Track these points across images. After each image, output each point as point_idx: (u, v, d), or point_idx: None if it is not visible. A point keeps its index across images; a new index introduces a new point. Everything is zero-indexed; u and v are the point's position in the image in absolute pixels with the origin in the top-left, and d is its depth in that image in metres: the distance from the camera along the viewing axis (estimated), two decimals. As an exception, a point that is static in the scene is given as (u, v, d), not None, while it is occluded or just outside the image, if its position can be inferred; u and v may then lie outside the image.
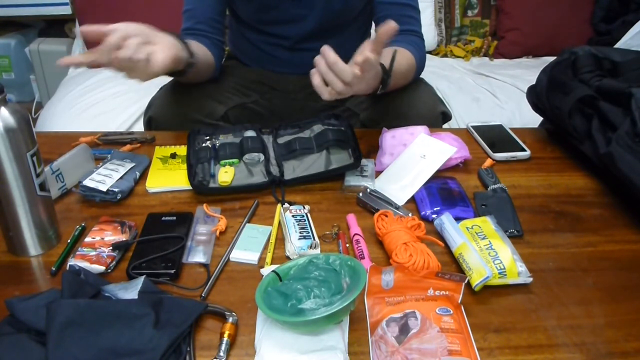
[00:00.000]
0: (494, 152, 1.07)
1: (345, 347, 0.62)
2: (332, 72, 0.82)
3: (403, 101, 1.15)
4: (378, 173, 0.99)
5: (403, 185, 0.94)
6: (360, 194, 0.91)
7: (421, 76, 1.24)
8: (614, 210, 0.91)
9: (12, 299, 0.64)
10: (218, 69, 1.23)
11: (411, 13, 1.20)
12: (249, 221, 0.86)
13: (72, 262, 0.75)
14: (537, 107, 1.14)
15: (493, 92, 1.97)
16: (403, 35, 1.17)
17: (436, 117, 1.17)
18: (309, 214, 0.86)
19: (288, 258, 0.78)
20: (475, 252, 0.74)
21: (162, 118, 1.16)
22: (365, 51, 0.83)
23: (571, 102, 0.99)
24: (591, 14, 2.26)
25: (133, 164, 0.97)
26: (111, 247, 0.77)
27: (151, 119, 1.17)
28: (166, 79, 1.25)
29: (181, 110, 1.15)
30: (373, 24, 1.26)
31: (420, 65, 1.18)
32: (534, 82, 1.13)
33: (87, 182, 0.90)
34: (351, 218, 0.86)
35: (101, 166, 0.95)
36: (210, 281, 0.73)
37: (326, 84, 0.84)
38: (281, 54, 1.28)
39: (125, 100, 1.84)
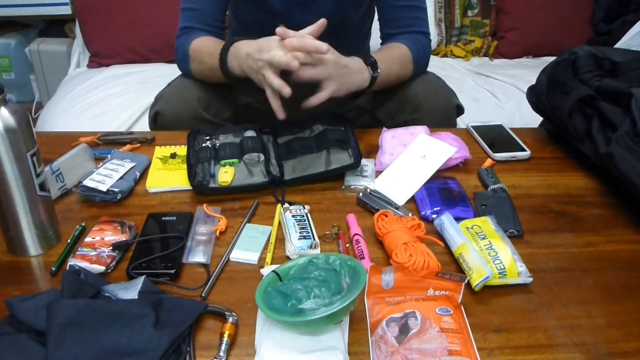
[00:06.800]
0: (494, 152, 1.07)
1: (345, 347, 0.62)
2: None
3: (419, 94, 1.14)
4: (378, 173, 0.99)
5: (403, 185, 0.94)
6: (360, 194, 0.91)
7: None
8: (614, 210, 0.91)
9: (12, 299, 0.64)
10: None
11: (416, 14, 1.20)
12: (249, 221, 0.86)
13: (72, 262, 0.75)
14: (537, 107, 1.14)
15: (493, 92, 1.97)
16: (407, 35, 1.18)
17: (452, 110, 1.17)
18: (309, 214, 0.86)
19: (288, 258, 0.78)
20: (475, 252, 0.74)
21: (169, 113, 1.14)
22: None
23: (571, 102, 0.99)
24: (591, 14, 2.26)
25: (133, 164, 0.97)
26: (111, 247, 0.77)
27: (158, 114, 1.16)
28: (172, 76, 1.25)
29: (189, 108, 1.13)
30: (377, 25, 1.27)
31: (419, 59, 1.17)
32: (534, 82, 1.13)
33: (87, 182, 0.90)
34: (351, 218, 0.86)
35: (101, 166, 0.95)
36: (210, 281, 0.73)
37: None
38: None
39: (125, 100, 1.84)
